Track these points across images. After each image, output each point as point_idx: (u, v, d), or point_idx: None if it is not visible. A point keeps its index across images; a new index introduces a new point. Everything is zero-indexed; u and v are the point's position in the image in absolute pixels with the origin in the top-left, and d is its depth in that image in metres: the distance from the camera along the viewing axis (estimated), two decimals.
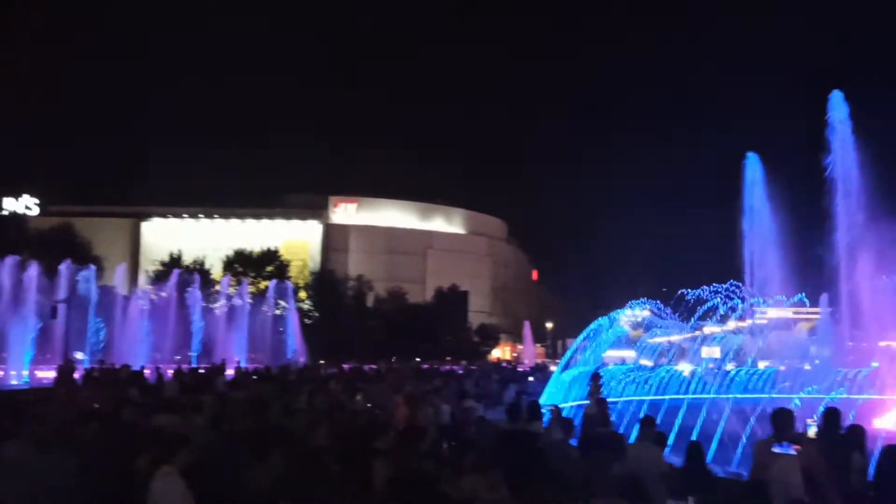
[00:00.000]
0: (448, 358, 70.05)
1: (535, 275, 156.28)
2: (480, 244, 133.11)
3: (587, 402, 18.35)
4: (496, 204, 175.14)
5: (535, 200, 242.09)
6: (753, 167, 32.70)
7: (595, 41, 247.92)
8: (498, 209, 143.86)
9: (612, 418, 18.36)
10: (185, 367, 36.33)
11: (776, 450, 7.74)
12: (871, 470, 8.87)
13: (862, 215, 26.30)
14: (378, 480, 7.01)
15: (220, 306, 63.42)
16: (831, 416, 9.55)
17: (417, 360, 58.60)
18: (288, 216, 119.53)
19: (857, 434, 9.63)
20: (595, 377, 18.63)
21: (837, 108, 27.38)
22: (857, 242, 26.21)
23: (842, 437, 9.42)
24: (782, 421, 8.23)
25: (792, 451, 7.65)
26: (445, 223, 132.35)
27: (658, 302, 35.49)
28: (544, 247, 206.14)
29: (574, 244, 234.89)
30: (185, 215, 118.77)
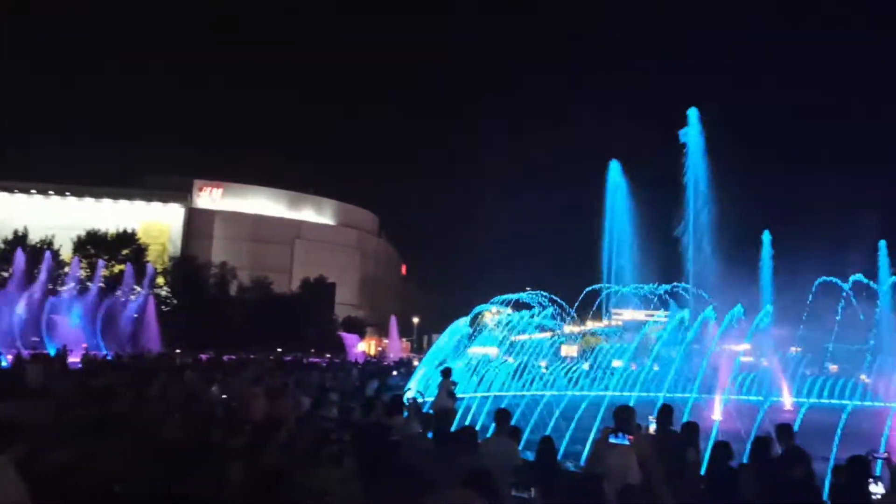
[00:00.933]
0: (312, 350, 69.27)
1: (403, 269, 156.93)
2: (350, 236, 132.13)
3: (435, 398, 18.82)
4: (368, 197, 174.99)
5: (406, 196, 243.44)
6: (615, 173, 34.94)
7: (475, 41, 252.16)
8: (369, 202, 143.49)
9: (466, 413, 18.89)
10: (25, 352, 34.05)
11: (612, 440, 8.34)
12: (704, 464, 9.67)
13: (709, 219, 28.43)
14: (233, 477, 6.93)
15: (68, 289, 59.90)
16: (664, 413, 10.25)
17: (279, 350, 57.58)
18: (148, 198, 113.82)
19: (691, 430, 10.38)
20: (446, 373, 19.08)
21: (693, 121, 29.62)
22: (704, 246, 28.27)
23: (676, 433, 10.13)
24: (623, 416, 8.87)
25: (627, 441, 8.28)
26: (315, 213, 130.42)
27: (522, 299, 36.78)
28: (414, 242, 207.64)
29: (443, 241, 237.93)
30: (33, 191, 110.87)
